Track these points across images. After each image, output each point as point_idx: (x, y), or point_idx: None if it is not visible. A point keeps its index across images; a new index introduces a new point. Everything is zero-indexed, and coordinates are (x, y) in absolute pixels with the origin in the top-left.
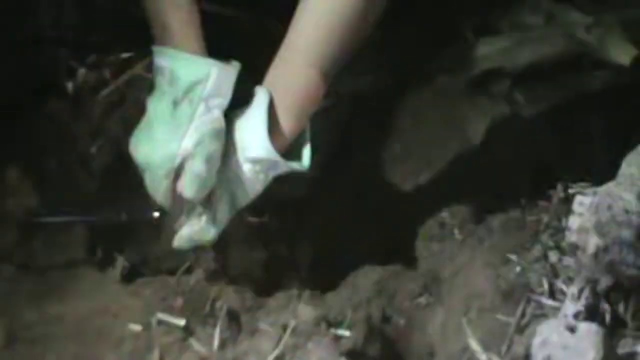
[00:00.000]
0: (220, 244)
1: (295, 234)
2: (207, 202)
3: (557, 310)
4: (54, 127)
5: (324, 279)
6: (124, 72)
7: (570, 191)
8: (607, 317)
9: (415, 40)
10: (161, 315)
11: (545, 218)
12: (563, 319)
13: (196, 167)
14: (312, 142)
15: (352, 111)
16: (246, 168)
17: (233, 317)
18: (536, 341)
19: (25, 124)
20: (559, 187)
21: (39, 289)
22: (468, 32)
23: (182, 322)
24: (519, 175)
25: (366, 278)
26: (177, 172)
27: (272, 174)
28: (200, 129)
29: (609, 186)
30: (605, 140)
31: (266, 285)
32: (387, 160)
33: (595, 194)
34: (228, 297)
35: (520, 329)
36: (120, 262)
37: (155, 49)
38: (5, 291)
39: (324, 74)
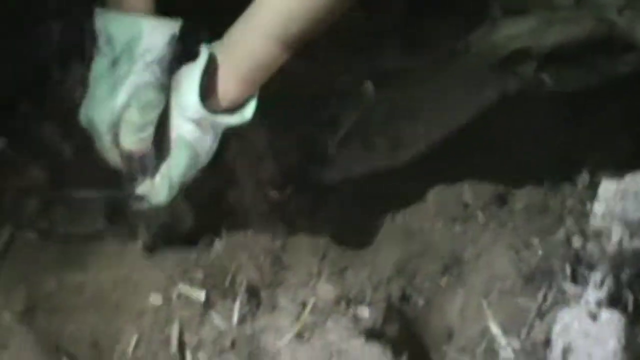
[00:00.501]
0: (242, 219)
1: (316, 211)
2: (160, 162)
3: (579, 296)
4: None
5: (344, 256)
6: None
7: (596, 176)
8: (630, 306)
9: (441, 19)
10: (182, 288)
11: (570, 203)
12: (585, 305)
13: (132, 117)
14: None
15: (374, 89)
16: (189, 127)
17: (253, 292)
18: (557, 327)
19: (47, 95)
20: (584, 171)
21: (59, 258)
22: (495, 12)
23: (202, 295)
24: (543, 158)
25: (387, 257)
26: (117, 125)
27: (219, 130)
28: (134, 82)
29: (636, 173)
30: (632, 125)
31: (287, 261)
32: (410, 141)
33: (621, 179)
34: (248, 272)
35: (541, 314)
36: (142, 233)
37: (96, 12)
38: (26, 260)
39: (285, 46)
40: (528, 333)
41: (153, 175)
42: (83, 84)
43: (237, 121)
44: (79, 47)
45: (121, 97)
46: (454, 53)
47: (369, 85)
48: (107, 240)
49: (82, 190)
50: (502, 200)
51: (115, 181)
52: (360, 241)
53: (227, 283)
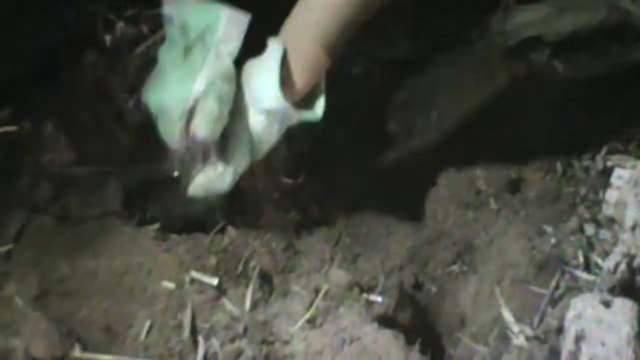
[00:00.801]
0: (255, 205)
1: (329, 198)
2: (223, 151)
3: (592, 284)
4: (89, 81)
5: (356, 243)
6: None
7: (609, 164)
8: None
9: (454, 7)
10: (194, 274)
11: (583, 190)
12: (598, 293)
13: (208, 106)
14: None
15: (388, 77)
16: (260, 118)
17: (265, 278)
18: (570, 314)
19: (62, 78)
20: (597, 159)
21: (73, 243)
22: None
23: (214, 281)
24: (556, 146)
25: (399, 244)
26: (190, 115)
27: (285, 124)
28: (212, 71)
29: None
30: None
31: (299, 247)
32: (423, 128)
33: (634, 167)
34: (261, 258)
35: (554, 302)
36: (155, 218)
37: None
38: (40, 244)
39: (328, 52)
40: (541, 320)
41: (216, 164)
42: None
43: (310, 117)
44: (92, 34)
45: (198, 86)
46: (467, 41)
47: (381, 72)
48: (120, 225)
49: (98, 169)
50: (515, 187)
51: (132, 160)
52: (373, 228)
53: (239, 269)
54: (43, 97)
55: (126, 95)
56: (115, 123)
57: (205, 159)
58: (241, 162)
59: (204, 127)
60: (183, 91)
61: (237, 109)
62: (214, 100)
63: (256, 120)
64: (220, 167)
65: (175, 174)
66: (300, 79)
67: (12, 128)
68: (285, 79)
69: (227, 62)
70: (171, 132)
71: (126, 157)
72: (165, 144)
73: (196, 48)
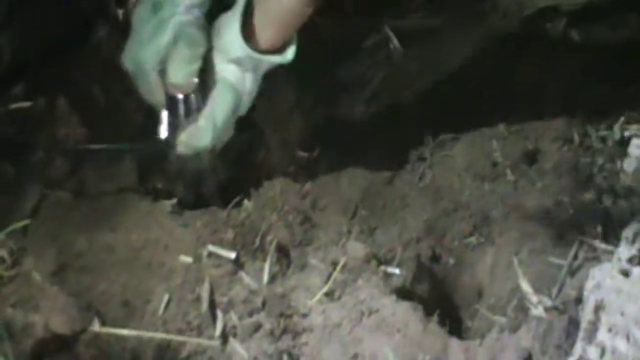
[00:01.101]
0: (271, 178)
1: (345, 170)
2: (203, 107)
3: (610, 254)
4: (102, 56)
5: (373, 215)
6: None
7: (626, 134)
8: None
9: None
10: (212, 248)
11: (600, 160)
12: (617, 262)
13: (179, 51)
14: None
15: (400, 48)
16: (231, 68)
17: (283, 252)
18: (589, 284)
19: (75, 54)
20: (615, 129)
21: (90, 218)
22: None
23: (232, 255)
24: (573, 116)
25: (416, 216)
26: (163, 64)
27: (259, 72)
28: (180, 20)
29: None
30: None
31: (316, 220)
32: (435, 98)
33: None
34: (278, 231)
35: (572, 272)
36: (171, 193)
37: None
38: (56, 219)
39: (304, 2)
40: (560, 291)
41: (196, 119)
42: (123, 33)
43: (279, 60)
44: (104, 8)
45: (167, 34)
46: (481, 12)
47: (395, 44)
48: (136, 199)
49: (113, 144)
50: (531, 158)
51: (148, 135)
52: (390, 200)
53: (257, 243)
54: (56, 72)
55: None
56: (128, 98)
57: (187, 112)
58: (221, 115)
59: (178, 72)
60: (155, 43)
61: (211, 64)
62: (184, 44)
63: (228, 71)
64: (201, 121)
65: (163, 134)
66: (270, 28)
67: (26, 104)
68: (253, 28)
69: (195, 12)
70: (148, 86)
71: (140, 133)
72: (145, 98)
73: (165, 4)
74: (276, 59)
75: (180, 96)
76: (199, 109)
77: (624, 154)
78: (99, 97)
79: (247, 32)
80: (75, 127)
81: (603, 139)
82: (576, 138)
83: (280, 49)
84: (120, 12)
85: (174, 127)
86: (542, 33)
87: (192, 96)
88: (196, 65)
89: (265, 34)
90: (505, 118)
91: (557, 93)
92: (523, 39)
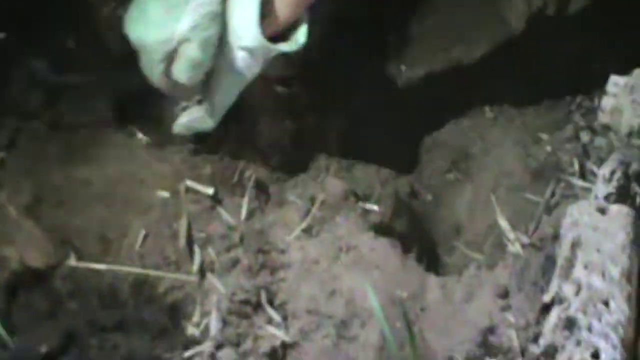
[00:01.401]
0: (250, 115)
1: (324, 106)
2: (206, 89)
3: (587, 191)
4: None
5: (352, 152)
6: None
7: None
8: (638, 200)
9: None
10: (190, 183)
11: (578, 98)
12: (594, 200)
13: (191, 52)
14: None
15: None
16: (242, 55)
17: (261, 188)
18: (566, 221)
19: None
20: (594, 67)
21: (66, 151)
22: None
23: (210, 190)
24: (552, 56)
25: (395, 153)
26: (172, 56)
27: (267, 58)
28: (197, 11)
29: None
30: None
31: (295, 157)
32: (418, 35)
33: (630, 74)
34: (257, 167)
35: (550, 209)
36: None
37: None
38: (32, 152)
39: None
40: (536, 228)
41: (198, 103)
42: None
43: (292, 48)
44: None
45: (181, 27)
46: None
47: None
48: (113, 133)
49: (88, 75)
50: (511, 96)
51: (122, 67)
52: (369, 137)
53: (235, 178)
54: (31, 3)
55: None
56: (105, 29)
57: (188, 97)
58: (224, 98)
59: (184, 73)
60: (165, 32)
61: (220, 46)
62: (197, 46)
63: (238, 57)
64: (204, 106)
65: None
66: (282, 12)
67: (1, 35)
68: (267, 14)
69: (213, 0)
70: (152, 72)
71: (117, 64)
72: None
73: None
74: (289, 47)
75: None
76: (202, 94)
77: (601, 91)
78: (75, 29)
79: (264, 18)
80: (51, 58)
81: (581, 77)
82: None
83: (291, 30)
84: None
85: (171, 106)
86: None
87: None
88: (205, 68)
89: (279, 14)
90: (492, 64)
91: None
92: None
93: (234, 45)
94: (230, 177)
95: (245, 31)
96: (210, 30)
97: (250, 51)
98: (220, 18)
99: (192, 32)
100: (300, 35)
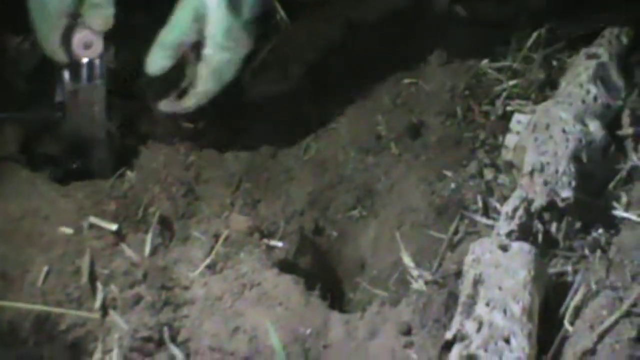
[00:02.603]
0: (154, 150)
1: (229, 142)
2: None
3: (490, 228)
4: None
5: (257, 188)
6: None
7: (508, 109)
8: (540, 237)
9: None
10: (93, 219)
11: (482, 135)
12: (496, 237)
13: None
14: None
15: (287, 19)
16: None
17: (165, 224)
18: (468, 259)
19: None
20: (497, 104)
21: None
22: None
23: (114, 226)
24: (456, 91)
25: (300, 189)
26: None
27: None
28: None
29: (547, 105)
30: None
31: (199, 192)
32: (322, 71)
33: (533, 112)
34: (161, 203)
35: (453, 246)
36: (55, 162)
37: None
38: None
39: None
40: (440, 264)
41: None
42: None
43: None
44: None
45: None
46: None
47: (282, 15)
48: (18, 167)
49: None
50: (415, 132)
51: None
52: (274, 173)
53: (139, 214)
54: None
55: (20, 38)
56: (9, 67)
57: (89, 77)
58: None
59: (95, 17)
60: None
61: None
62: None
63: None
64: (199, 88)
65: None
66: None
67: None
68: None
69: None
70: (49, 34)
71: (22, 102)
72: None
73: None
74: None
75: (85, 60)
76: (102, 75)
77: (505, 128)
78: None
79: None
80: None
81: (485, 114)
82: (459, 112)
83: None
84: None
85: (70, 93)
86: (428, 8)
87: (97, 61)
88: (112, 9)
89: None
90: (390, 92)
91: (442, 68)
92: (410, 14)
93: None
94: (134, 213)
95: None
96: None
97: None
98: None
99: None
100: None
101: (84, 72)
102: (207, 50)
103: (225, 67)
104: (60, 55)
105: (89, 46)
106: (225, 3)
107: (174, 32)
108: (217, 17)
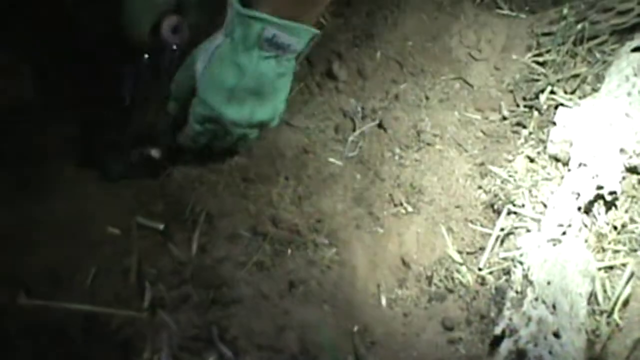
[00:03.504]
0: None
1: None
2: None
3: (537, 222)
4: None
5: (303, 186)
6: None
7: (553, 102)
8: (587, 231)
9: None
10: (141, 219)
11: (527, 130)
12: (544, 231)
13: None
14: None
15: None
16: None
17: (212, 223)
18: (516, 253)
19: None
20: (542, 98)
21: (14, 187)
22: None
23: (161, 226)
24: (501, 86)
25: (344, 186)
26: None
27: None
28: None
29: (592, 98)
30: None
31: (245, 191)
32: None
33: (578, 106)
34: (207, 202)
35: (500, 241)
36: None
37: None
38: None
39: None
40: (487, 260)
41: None
42: None
43: None
44: None
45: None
46: None
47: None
48: (65, 168)
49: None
50: (459, 128)
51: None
52: (319, 170)
53: (186, 214)
54: None
55: None
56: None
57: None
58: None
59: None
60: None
61: None
62: None
63: None
64: None
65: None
66: None
67: None
68: None
69: None
70: (143, 18)
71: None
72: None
73: None
74: None
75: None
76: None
77: (550, 123)
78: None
79: None
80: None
81: (530, 108)
82: (504, 107)
83: None
84: None
85: (146, 83)
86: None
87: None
88: None
89: None
90: (434, 88)
91: (485, 62)
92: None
93: None
94: (181, 213)
95: None
96: None
97: None
98: None
99: None
100: None
101: (166, 61)
102: None
103: None
104: (148, 40)
105: (176, 31)
106: None
107: None
108: None
